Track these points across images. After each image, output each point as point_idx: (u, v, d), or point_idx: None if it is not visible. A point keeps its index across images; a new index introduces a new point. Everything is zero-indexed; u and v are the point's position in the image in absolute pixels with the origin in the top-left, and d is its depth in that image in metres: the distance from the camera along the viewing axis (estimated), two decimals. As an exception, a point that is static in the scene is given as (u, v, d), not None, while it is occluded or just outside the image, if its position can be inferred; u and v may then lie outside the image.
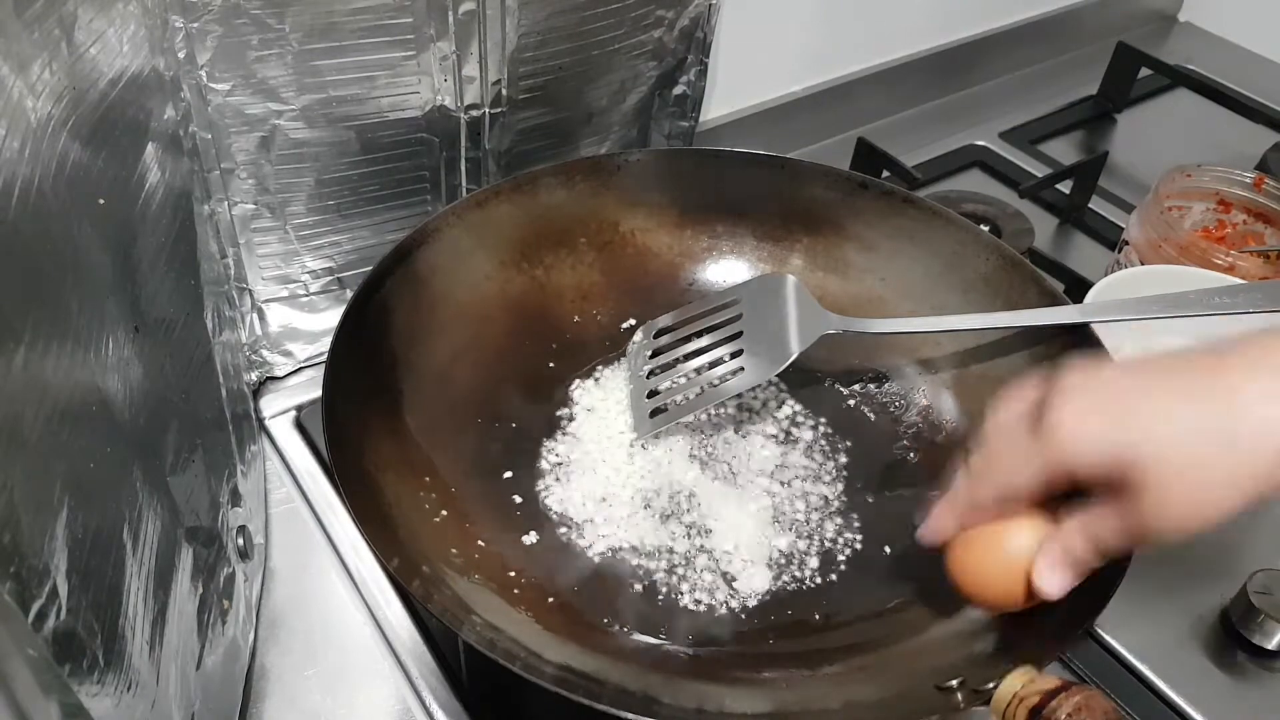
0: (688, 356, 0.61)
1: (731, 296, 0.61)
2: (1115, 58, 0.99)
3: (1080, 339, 0.56)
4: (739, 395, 0.62)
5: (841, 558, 0.56)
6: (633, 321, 0.66)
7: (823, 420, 0.62)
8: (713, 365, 0.59)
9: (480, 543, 0.53)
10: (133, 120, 0.48)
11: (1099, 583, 0.44)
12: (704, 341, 0.61)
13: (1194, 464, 0.39)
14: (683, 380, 0.60)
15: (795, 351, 0.54)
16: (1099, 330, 0.57)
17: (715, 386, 0.59)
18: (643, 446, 0.59)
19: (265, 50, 0.55)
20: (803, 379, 0.64)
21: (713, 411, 0.62)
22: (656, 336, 0.62)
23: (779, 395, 0.64)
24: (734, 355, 0.59)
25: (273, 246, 0.64)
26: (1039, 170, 0.90)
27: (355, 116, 0.60)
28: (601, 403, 0.62)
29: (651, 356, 0.61)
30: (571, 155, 0.71)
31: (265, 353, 0.68)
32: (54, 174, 0.38)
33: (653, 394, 0.60)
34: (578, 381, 0.63)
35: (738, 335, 0.59)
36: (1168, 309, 0.55)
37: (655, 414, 0.59)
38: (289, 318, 0.68)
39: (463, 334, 0.61)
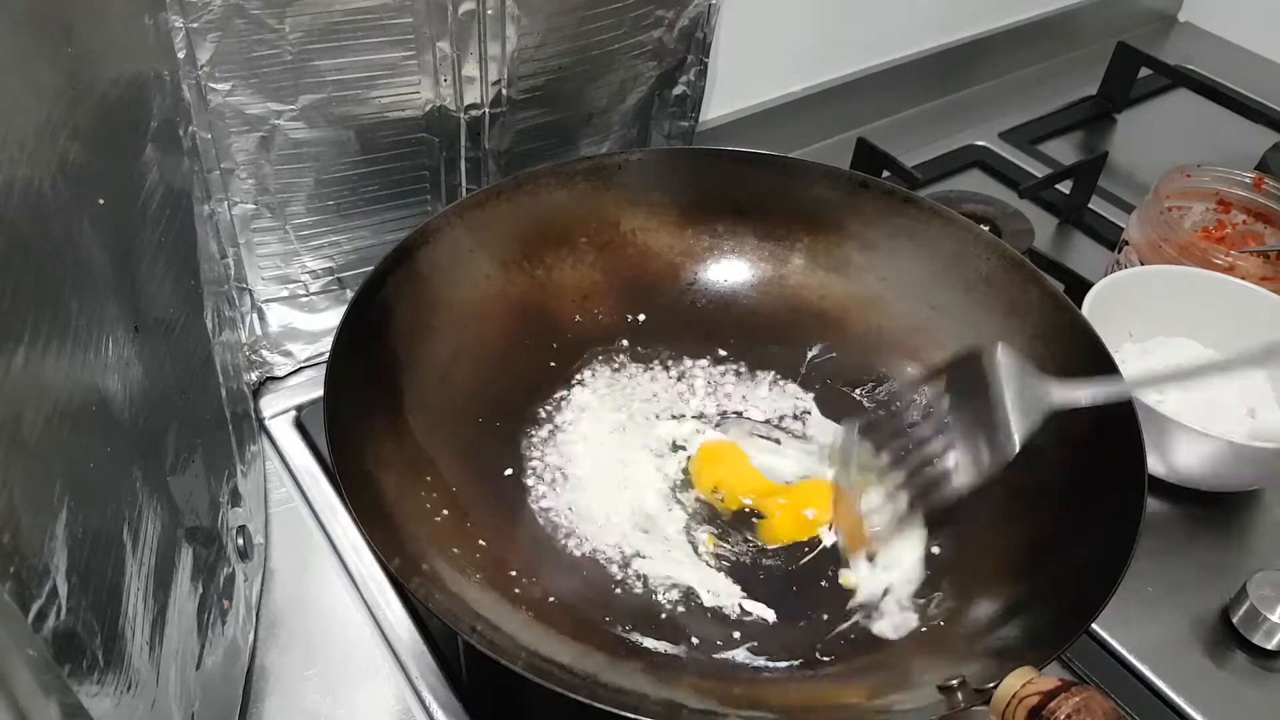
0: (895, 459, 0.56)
1: (933, 380, 0.57)
2: (1115, 58, 0.99)
3: (1081, 341, 0.56)
4: (743, 396, 0.62)
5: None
6: (641, 318, 0.66)
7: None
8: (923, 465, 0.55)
9: (481, 542, 0.53)
10: (133, 120, 0.47)
11: (1099, 582, 0.44)
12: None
13: None
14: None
15: (1019, 444, 0.50)
16: (1099, 330, 0.57)
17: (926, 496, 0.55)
18: (645, 446, 0.59)
19: (265, 50, 0.55)
20: (803, 379, 0.64)
21: (715, 412, 0.62)
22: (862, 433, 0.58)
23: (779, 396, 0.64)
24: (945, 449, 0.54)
25: (273, 246, 0.64)
26: (1039, 170, 0.90)
27: (355, 116, 0.60)
28: (602, 403, 0.62)
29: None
30: (571, 155, 0.71)
31: (265, 353, 0.68)
32: (54, 174, 0.37)
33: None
34: (579, 381, 0.63)
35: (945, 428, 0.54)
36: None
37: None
38: (289, 318, 0.68)
39: (463, 334, 0.61)
